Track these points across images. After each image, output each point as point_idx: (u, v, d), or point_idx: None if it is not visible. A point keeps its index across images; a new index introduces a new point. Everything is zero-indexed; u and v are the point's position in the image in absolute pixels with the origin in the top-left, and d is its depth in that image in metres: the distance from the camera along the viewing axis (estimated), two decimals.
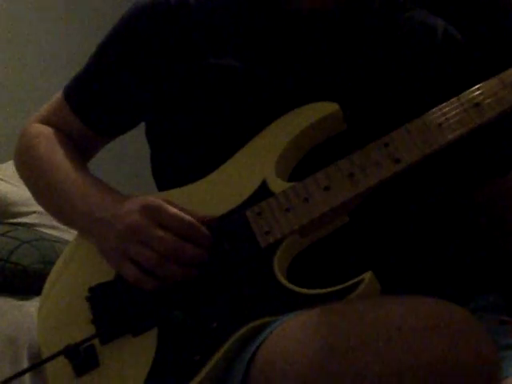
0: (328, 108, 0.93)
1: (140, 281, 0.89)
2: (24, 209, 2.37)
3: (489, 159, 1.03)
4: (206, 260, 0.88)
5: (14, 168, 2.77)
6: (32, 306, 1.97)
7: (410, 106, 0.91)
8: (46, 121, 1.12)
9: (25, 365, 1.80)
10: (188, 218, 0.89)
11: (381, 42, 1.00)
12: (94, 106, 1.08)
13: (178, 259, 0.88)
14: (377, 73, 0.98)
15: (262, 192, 0.91)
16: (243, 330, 0.82)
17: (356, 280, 0.80)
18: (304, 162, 0.94)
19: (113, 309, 0.92)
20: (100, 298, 0.94)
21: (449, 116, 0.88)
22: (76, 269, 0.99)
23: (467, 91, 0.89)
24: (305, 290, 0.83)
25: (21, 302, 2.01)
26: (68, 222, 1.05)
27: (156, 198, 0.92)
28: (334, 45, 0.99)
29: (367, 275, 0.80)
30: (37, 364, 0.90)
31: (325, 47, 0.99)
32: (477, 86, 0.89)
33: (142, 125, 1.12)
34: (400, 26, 1.03)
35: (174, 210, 0.90)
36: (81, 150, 1.10)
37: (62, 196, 1.02)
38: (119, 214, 0.91)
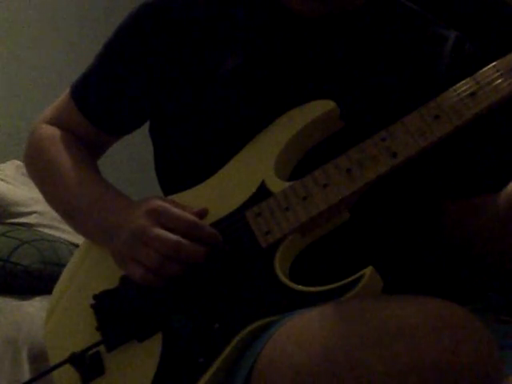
0: (324, 106, 0.93)
1: (145, 279, 0.89)
2: (24, 209, 2.36)
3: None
4: (206, 257, 0.88)
5: (14, 168, 2.76)
6: (32, 306, 1.97)
7: (408, 106, 0.91)
8: (53, 121, 1.12)
9: (25, 365, 1.80)
10: (191, 217, 0.89)
11: (380, 44, 1.00)
12: (100, 105, 1.09)
13: (179, 258, 0.87)
14: (374, 74, 0.98)
15: (262, 192, 0.91)
16: (246, 331, 0.82)
17: (357, 275, 0.80)
18: (304, 162, 0.94)
19: (117, 315, 0.93)
20: (104, 305, 0.94)
21: (445, 107, 0.87)
22: (83, 277, 1.00)
23: (462, 81, 0.88)
24: (306, 288, 0.83)
25: (21, 302, 2.01)
26: (77, 226, 1.05)
27: (161, 201, 0.92)
28: (333, 46, 1.00)
29: (368, 270, 0.79)
30: (43, 373, 0.90)
31: (323, 48, 0.99)
32: (472, 76, 0.88)
33: (146, 125, 1.12)
34: (404, 31, 1.02)
35: (176, 211, 0.90)
36: (89, 148, 1.10)
37: (72, 201, 1.02)
38: (128, 220, 0.92)
